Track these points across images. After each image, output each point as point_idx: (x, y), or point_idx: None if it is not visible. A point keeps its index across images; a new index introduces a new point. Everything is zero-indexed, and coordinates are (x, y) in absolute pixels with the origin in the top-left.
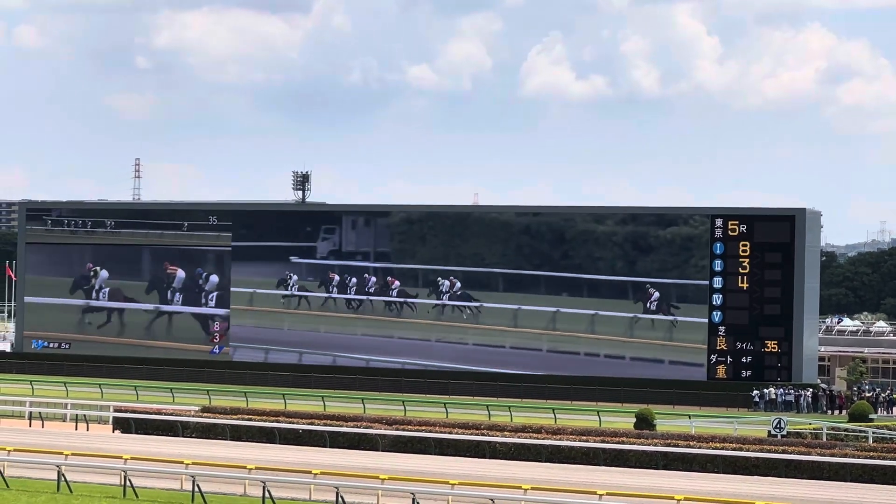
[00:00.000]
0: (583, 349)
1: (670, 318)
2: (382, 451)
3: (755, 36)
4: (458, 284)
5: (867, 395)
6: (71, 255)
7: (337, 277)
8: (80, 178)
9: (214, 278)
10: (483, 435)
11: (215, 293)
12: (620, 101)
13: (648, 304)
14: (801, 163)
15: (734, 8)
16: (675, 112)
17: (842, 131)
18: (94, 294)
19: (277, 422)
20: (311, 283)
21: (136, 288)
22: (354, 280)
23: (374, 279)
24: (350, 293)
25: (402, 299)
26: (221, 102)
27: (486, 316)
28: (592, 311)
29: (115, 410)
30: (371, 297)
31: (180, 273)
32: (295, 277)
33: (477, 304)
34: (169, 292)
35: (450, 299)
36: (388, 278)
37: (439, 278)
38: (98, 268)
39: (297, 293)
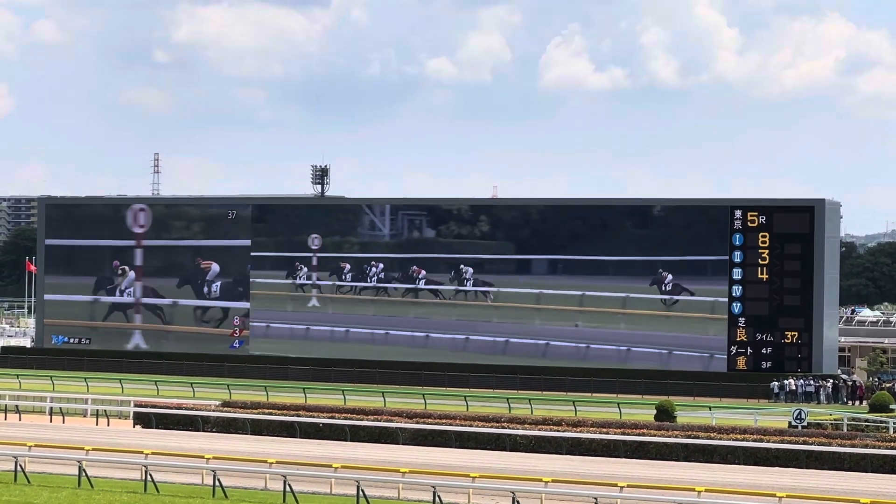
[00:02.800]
0: (606, 332)
1: (691, 298)
2: (403, 444)
3: (774, 26)
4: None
5: (888, 385)
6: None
7: None
8: (99, 173)
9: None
10: (503, 428)
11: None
12: (640, 93)
13: (664, 287)
14: (821, 153)
15: None
16: (694, 103)
17: (861, 121)
18: (117, 293)
19: (298, 416)
20: None
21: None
22: None
23: None
24: None
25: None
26: (240, 96)
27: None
28: (620, 296)
29: (136, 405)
30: None
31: (214, 266)
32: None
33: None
34: (205, 287)
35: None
36: None
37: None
38: (126, 268)
39: None
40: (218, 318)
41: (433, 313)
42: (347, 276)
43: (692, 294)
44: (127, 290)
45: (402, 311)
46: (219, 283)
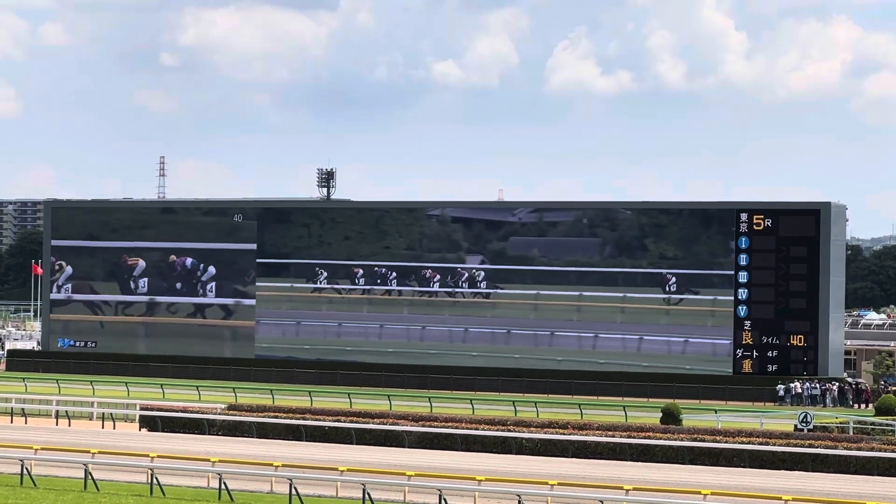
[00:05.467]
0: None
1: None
2: (409, 447)
3: (781, 29)
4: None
5: (893, 388)
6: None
7: None
8: (106, 176)
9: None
10: (509, 431)
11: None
12: (646, 96)
13: (667, 287)
14: (828, 156)
15: (759, 1)
16: (701, 106)
17: (868, 124)
18: (55, 289)
19: (304, 419)
20: None
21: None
22: None
23: None
24: None
25: None
26: (247, 100)
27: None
28: (620, 302)
29: (142, 408)
30: None
31: (141, 263)
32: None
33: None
34: (131, 282)
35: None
36: None
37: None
38: (63, 263)
39: None
40: None
41: None
42: None
43: (697, 296)
44: (64, 287)
45: None
46: (146, 280)
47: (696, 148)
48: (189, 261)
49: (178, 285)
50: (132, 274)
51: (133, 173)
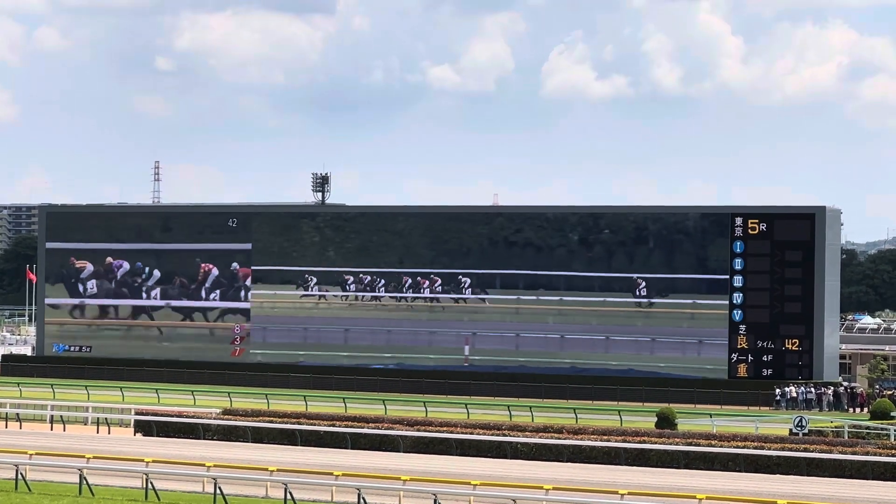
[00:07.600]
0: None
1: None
2: (404, 452)
3: (777, 33)
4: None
5: (888, 392)
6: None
7: None
8: (101, 180)
9: None
10: (504, 435)
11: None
12: (642, 101)
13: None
14: (823, 159)
15: (756, 4)
16: (696, 111)
17: (863, 128)
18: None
19: (299, 423)
20: None
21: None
22: None
23: None
24: None
25: None
26: (243, 104)
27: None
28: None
29: (137, 413)
30: None
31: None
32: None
33: None
34: (80, 285)
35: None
36: None
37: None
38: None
39: None
40: None
41: None
42: None
43: (692, 300)
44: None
45: None
46: (94, 282)
47: (691, 152)
48: (125, 264)
49: (125, 290)
50: (79, 277)
51: (129, 178)
